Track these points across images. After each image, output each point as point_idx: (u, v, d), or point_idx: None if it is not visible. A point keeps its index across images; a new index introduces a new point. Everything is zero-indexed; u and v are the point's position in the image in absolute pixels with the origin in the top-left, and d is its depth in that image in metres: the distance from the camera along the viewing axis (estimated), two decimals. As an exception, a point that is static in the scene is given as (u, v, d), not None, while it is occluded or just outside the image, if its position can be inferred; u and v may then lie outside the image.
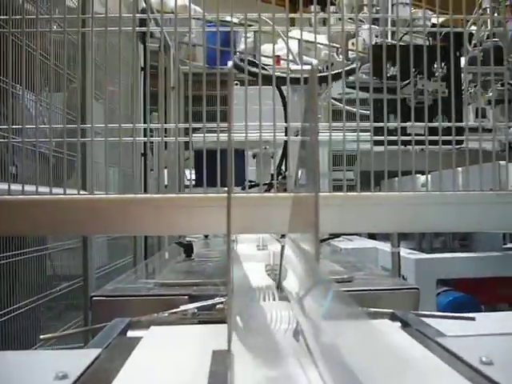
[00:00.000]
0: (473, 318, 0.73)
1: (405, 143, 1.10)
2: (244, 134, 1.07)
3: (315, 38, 1.10)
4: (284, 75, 1.18)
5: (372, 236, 2.82)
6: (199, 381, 0.47)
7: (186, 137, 1.13)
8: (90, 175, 1.19)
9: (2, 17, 1.07)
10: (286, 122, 1.23)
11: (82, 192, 1.06)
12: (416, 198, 1.06)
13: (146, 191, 2.20)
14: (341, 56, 2.11)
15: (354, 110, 1.12)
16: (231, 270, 0.54)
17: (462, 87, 1.24)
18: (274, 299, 0.75)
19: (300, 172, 0.74)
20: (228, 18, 1.12)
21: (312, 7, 1.13)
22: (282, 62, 2.43)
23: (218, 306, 0.76)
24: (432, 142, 1.09)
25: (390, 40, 1.77)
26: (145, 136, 1.23)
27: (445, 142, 1.09)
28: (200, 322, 0.75)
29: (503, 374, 0.46)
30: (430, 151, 1.10)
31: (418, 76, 1.16)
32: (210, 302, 0.78)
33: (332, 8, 2.43)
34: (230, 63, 0.56)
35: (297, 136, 1.13)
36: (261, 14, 1.09)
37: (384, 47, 1.12)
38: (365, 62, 1.63)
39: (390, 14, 2.36)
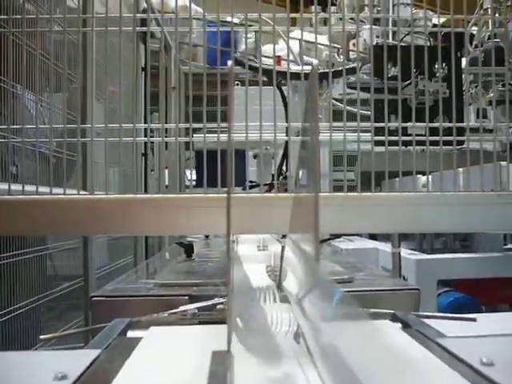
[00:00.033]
0: (473, 319, 0.73)
1: (405, 144, 1.10)
2: (244, 135, 1.06)
3: (316, 38, 1.10)
4: (285, 70, 1.18)
5: (373, 236, 2.82)
6: (199, 381, 0.46)
7: (186, 137, 1.13)
8: (91, 175, 1.19)
9: (2, 16, 1.07)
10: (286, 122, 1.23)
11: (82, 192, 1.06)
12: (417, 198, 1.06)
13: (146, 191, 2.20)
14: (342, 56, 2.11)
15: (355, 110, 1.12)
16: (231, 271, 0.53)
17: (463, 88, 1.24)
18: (274, 300, 0.75)
19: (300, 172, 0.74)
20: (228, 19, 1.12)
21: (313, 7, 1.13)
22: (282, 62, 2.43)
23: (218, 307, 0.76)
24: (433, 143, 1.09)
25: (390, 40, 1.77)
26: (145, 136, 1.23)
27: (446, 143, 1.09)
28: (200, 323, 0.74)
29: (504, 375, 0.46)
30: (431, 152, 1.10)
31: (419, 76, 1.16)
32: (210, 302, 0.78)
33: (333, 8, 2.43)
34: (229, 62, 0.56)
35: (298, 136, 1.13)
36: (261, 14, 1.09)
37: (385, 47, 1.11)
38: (366, 63, 1.63)
39: (391, 14, 2.36)
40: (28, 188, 1.03)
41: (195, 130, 1.13)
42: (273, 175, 1.95)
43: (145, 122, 1.43)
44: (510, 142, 1.14)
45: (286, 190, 1.27)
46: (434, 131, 1.09)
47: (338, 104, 1.89)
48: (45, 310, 1.71)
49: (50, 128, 1.10)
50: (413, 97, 1.13)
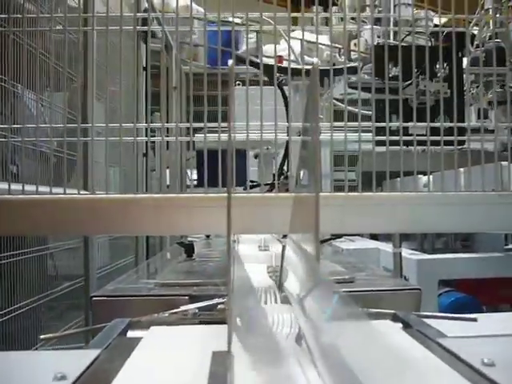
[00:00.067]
0: (474, 319, 0.73)
1: (407, 143, 1.10)
2: (245, 134, 1.06)
3: (317, 38, 1.10)
4: (285, 66, 1.18)
5: (374, 236, 2.82)
6: (199, 381, 0.46)
7: (187, 137, 1.13)
8: (91, 175, 1.19)
9: (2, 15, 1.07)
10: (287, 121, 1.22)
11: (82, 192, 1.06)
12: (418, 198, 1.05)
13: (147, 191, 2.20)
14: (343, 56, 2.11)
15: (356, 110, 1.12)
16: (231, 271, 0.53)
17: (464, 88, 1.23)
18: (275, 301, 0.75)
19: (301, 172, 0.74)
20: (230, 18, 1.12)
21: (314, 7, 1.13)
22: (283, 62, 2.43)
23: (218, 307, 0.76)
24: (434, 143, 1.09)
25: (392, 40, 1.77)
26: (146, 136, 1.23)
27: (447, 143, 1.09)
28: (201, 323, 0.74)
29: (505, 375, 0.46)
30: (432, 152, 1.09)
31: (420, 76, 1.16)
32: (210, 302, 0.78)
33: (334, 8, 2.43)
34: (230, 62, 0.55)
35: (299, 136, 1.13)
36: (262, 14, 1.09)
37: (386, 47, 1.11)
38: (367, 63, 1.63)
39: (392, 14, 2.36)
40: (28, 187, 1.03)
41: (196, 130, 1.13)
42: (274, 175, 1.95)
43: (146, 122, 1.43)
44: (511, 142, 1.14)
45: (286, 190, 1.27)
46: (435, 131, 1.09)
47: (339, 104, 1.89)
48: (45, 309, 1.71)
49: (50, 127, 1.09)
50: (414, 97, 1.12)
